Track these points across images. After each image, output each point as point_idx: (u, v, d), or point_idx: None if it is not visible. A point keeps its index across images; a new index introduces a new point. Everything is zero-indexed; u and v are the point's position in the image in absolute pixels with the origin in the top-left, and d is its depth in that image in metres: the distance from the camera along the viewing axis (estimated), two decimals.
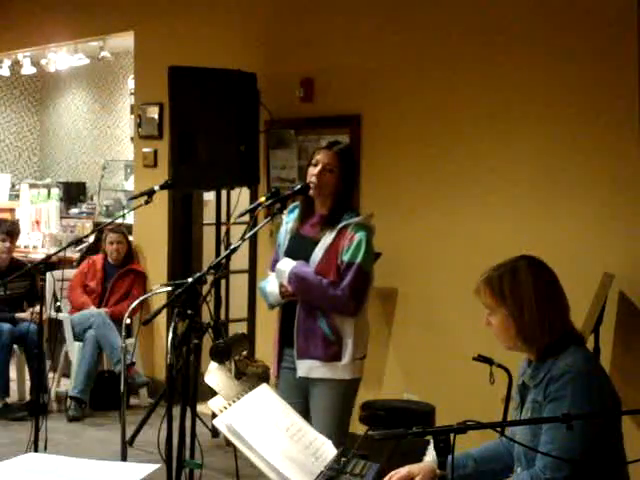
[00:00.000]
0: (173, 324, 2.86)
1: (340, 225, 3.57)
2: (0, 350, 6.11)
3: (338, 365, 3.58)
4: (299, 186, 3.67)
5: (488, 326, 2.56)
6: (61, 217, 8.87)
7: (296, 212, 3.76)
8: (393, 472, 2.50)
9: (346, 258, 3.53)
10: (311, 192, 3.63)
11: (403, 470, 2.50)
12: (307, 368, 3.60)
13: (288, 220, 3.80)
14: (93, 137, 9.63)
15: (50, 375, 6.11)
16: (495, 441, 2.69)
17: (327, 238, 3.59)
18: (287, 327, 3.66)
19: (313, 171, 3.61)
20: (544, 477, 2.32)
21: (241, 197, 5.69)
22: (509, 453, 2.59)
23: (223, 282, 5.57)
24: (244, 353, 4.06)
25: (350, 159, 3.70)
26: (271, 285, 3.69)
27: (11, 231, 6.49)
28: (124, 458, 4.44)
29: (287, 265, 3.63)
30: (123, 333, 4.87)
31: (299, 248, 3.66)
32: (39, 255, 7.54)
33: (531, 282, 2.48)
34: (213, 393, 2.63)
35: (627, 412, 2.53)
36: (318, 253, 3.59)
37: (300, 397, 3.65)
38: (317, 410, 3.64)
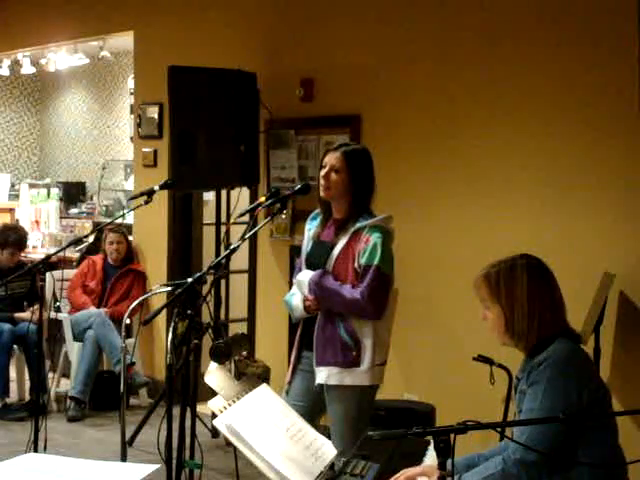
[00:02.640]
0: (173, 324, 2.86)
1: (354, 228, 3.55)
2: (0, 350, 6.11)
3: (357, 371, 3.54)
4: (299, 186, 3.66)
5: (484, 320, 2.63)
6: (61, 217, 8.85)
7: (318, 219, 3.75)
8: (407, 470, 2.50)
9: (363, 261, 3.49)
10: (322, 195, 3.62)
11: (418, 469, 2.50)
12: (325, 375, 3.57)
13: (310, 227, 3.78)
14: (93, 137, 9.63)
15: (50, 375, 6.11)
16: (506, 441, 2.70)
17: (342, 241, 3.57)
18: (308, 331, 3.65)
19: (321, 173, 3.61)
20: (514, 457, 2.38)
21: (241, 197, 5.68)
22: None
23: (223, 282, 5.57)
24: (244, 353, 4.05)
25: (359, 160, 3.63)
26: (296, 299, 3.67)
27: (19, 242, 6.48)
28: (124, 458, 4.43)
29: (306, 275, 3.62)
30: (123, 333, 4.86)
31: (318, 253, 3.66)
32: (39, 255, 7.52)
33: (526, 281, 2.55)
34: (213, 393, 2.63)
35: (627, 412, 2.54)
36: (333, 257, 3.57)
37: (308, 401, 3.65)
38: (335, 417, 3.62)
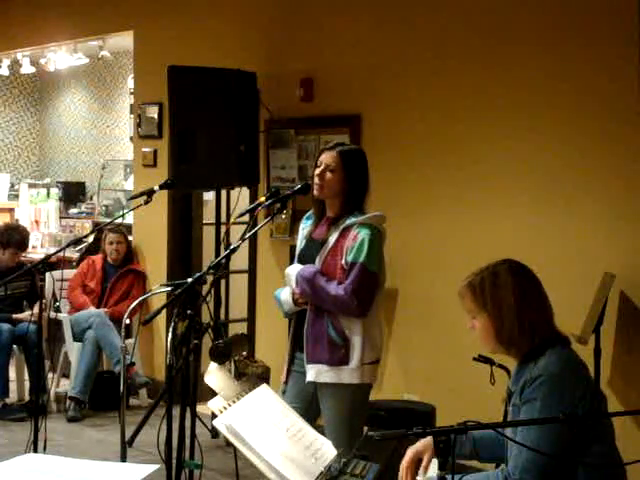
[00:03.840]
0: (173, 324, 2.85)
1: (344, 225, 3.56)
2: (0, 350, 6.11)
3: (345, 369, 3.54)
4: (299, 186, 3.66)
5: (472, 330, 2.58)
6: (60, 217, 8.85)
7: (312, 219, 3.76)
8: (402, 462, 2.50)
9: (350, 258, 3.50)
10: (316, 193, 3.62)
11: (409, 453, 2.49)
12: (315, 373, 3.57)
13: (304, 226, 3.79)
14: (92, 137, 9.62)
15: (49, 375, 6.10)
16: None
17: (332, 239, 3.58)
18: (299, 332, 3.66)
19: (316, 172, 3.61)
20: (513, 477, 2.35)
21: (241, 197, 5.68)
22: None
23: (223, 282, 5.57)
24: (244, 353, 4.03)
25: (355, 160, 3.64)
26: (284, 293, 3.69)
27: (21, 242, 6.48)
28: (124, 459, 4.44)
29: (294, 269, 3.63)
30: (123, 333, 4.86)
31: (310, 251, 3.67)
32: (39, 255, 7.52)
33: (510, 286, 2.50)
34: (213, 393, 2.63)
35: (627, 412, 2.54)
36: (323, 254, 3.58)
37: (303, 402, 3.64)
38: (326, 416, 3.62)
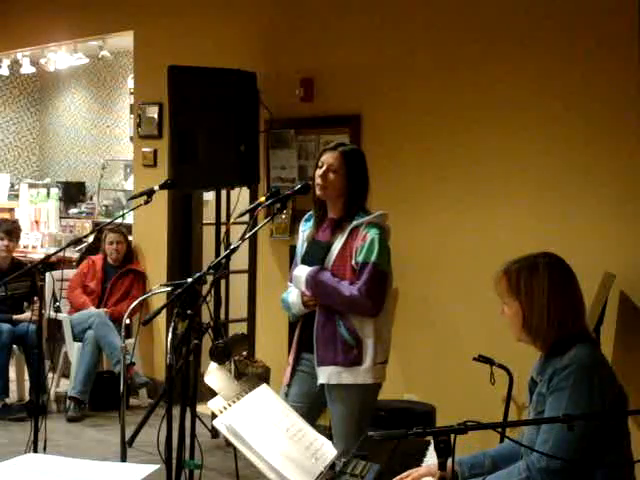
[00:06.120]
0: (173, 324, 2.85)
1: (351, 226, 3.55)
2: (0, 350, 6.11)
3: (359, 370, 3.53)
4: (299, 186, 3.65)
5: (502, 315, 2.63)
6: (60, 217, 8.85)
7: (312, 220, 3.75)
8: (412, 470, 2.50)
9: (360, 259, 3.50)
10: (319, 193, 3.62)
11: (423, 469, 2.49)
12: (328, 375, 3.56)
13: (304, 229, 3.78)
14: (92, 137, 9.62)
15: (49, 375, 6.10)
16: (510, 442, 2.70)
17: (339, 240, 3.57)
18: (307, 333, 3.65)
19: (318, 172, 3.61)
20: (538, 465, 2.37)
21: (241, 197, 5.68)
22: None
23: (223, 282, 5.57)
24: (244, 353, 4.02)
25: (356, 160, 3.64)
26: (292, 296, 3.67)
27: (10, 230, 6.49)
28: (124, 459, 4.43)
29: (303, 271, 3.61)
30: (122, 333, 4.86)
31: (314, 253, 3.65)
32: (38, 255, 7.52)
33: (547, 280, 2.54)
34: (213, 393, 2.63)
35: (628, 412, 2.54)
36: (331, 256, 3.57)
37: (307, 402, 3.63)
38: (337, 416, 3.61)
